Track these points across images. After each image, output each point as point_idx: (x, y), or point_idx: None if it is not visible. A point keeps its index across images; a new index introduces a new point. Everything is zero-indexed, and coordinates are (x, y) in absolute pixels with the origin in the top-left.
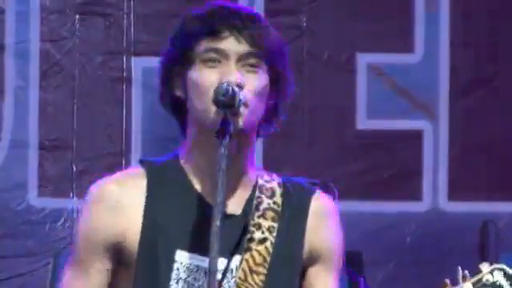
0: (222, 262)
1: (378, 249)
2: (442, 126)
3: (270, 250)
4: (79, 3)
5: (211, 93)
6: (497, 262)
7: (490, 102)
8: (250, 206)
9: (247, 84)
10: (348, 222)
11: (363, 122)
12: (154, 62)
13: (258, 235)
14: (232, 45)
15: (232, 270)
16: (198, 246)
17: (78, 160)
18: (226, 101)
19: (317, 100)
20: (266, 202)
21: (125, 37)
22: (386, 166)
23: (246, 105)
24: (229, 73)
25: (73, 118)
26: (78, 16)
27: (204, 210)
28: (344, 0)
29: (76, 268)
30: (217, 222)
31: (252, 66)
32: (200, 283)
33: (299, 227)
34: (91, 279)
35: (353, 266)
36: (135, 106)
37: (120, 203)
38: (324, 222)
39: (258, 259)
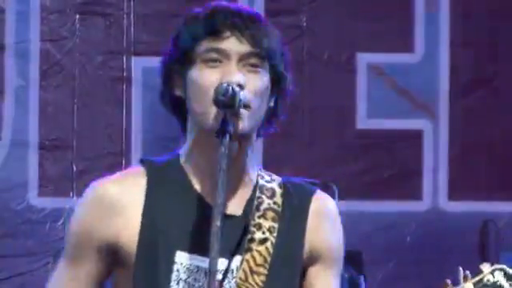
0: (222, 263)
1: (378, 248)
2: (442, 125)
3: (271, 250)
4: (79, 3)
5: (211, 93)
6: (497, 261)
7: (489, 101)
8: (251, 207)
9: (248, 84)
10: (348, 222)
11: (363, 122)
12: (154, 61)
13: (258, 235)
14: (233, 45)
15: (233, 270)
16: (198, 246)
17: (78, 160)
18: (226, 101)
19: (317, 100)
20: (267, 203)
21: (125, 37)
22: (386, 166)
23: (246, 106)
24: (230, 73)
25: (73, 117)
26: (78, 16)
27: (204, 210)
28: (344, 0)
29: (66, 265)
30: (217, 222)
31: (253, 66)
32: (200, 284)
33: (299, 227)
34: (81, 278)
35: (353, 265)
36: (135, 105)
37: (118, 203)
38: (324, 222)
39: (259, 259)
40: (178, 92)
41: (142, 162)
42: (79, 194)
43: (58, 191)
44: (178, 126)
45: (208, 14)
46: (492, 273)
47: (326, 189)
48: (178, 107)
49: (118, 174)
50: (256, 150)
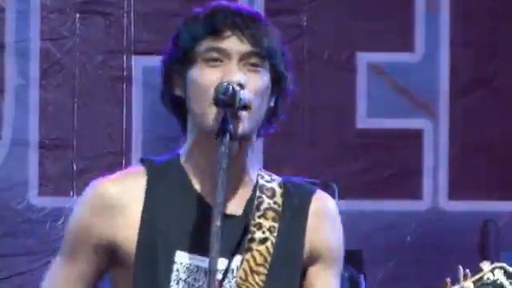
0: (222, 262)
1: (378, 248)
2: (442, 125)
3: (271, 249)
4: (79, 2)
5: (211, 92)
6: (497, 261)
7: (489, 101)
8: (251, 206)
9: (249, 84)
10: (348, 221)
11: (363, 121)
12: (155, 60)
13: (258, 235)
14: (234, 44)
15: (233, 269)
16: (198, 246)
17: (78, 159)
18: (227, 100)
19: (317, 99)
20: (267, 202)
21: (125, 36)
22: (387, 165)
23: (246, 105)
24: (230, 72)
25: (73, 116)
26: (78, 15)
27: (204, 210)
28: None
29: (63, 261)
30: (217, 222)
31: (254, 65)
32: (200, 283)
33: (300, 227)
34: (74, 274)
35: (353, 264)
36: (135, 104)
37: (118, 202)
38: (324, 222)
39: (259, 259)
40: (178, 92)
41: (143, 161)
42: (79, 193)
43: (58, 190)
44: (178, 125)
45: (208, 14)
46: (492, 271)
47: (326, 188)
48: (178, 107)
49: (118, 174)
50: (256, 150)
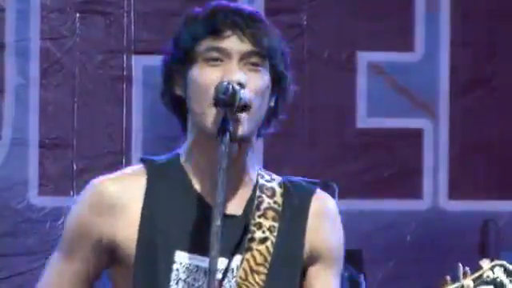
0: (222, 262)
1: (378, 248)
2: (442, 124)
3: (271, 249)
4: (79, 2)
5: (212, 91)
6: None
7: (489, 101)
8: (251, 206)
9: (249, 83)
10: (348, 221)
11: (363, 121)
12: (155, 60)
13: (258, 235)
14: (234, 44)
15: (233, 269)
16: (198, 246)
17: (78, 158)
18: (227, 99)
19: (317, 99)
20: (267, 202)
21: (125, 35)
22: (387, 165)
23: (246, 105)
24: (230, 71)
25: (73, 116)
26: (78, 14)
27: (204, 210)
28: None
29: (60, 259)
30: (217, 222)
31: (254, 65)
32: (200, 283)
33: (300, 227)
34: (71, 272)
35: (353, 264)
36: (136, 104)
37: (117, 201)
38: (324, 222)
39: (259, 259)
40: (178, 91)
41: (143, 160)
42: (79, 192)
43: (58, 190)
44: (178, 125)
45: (208, 13)
46: (492, 269)
47: (326, 188)
48: (179, 106)
49: (118, 173)
50: (256, 150)
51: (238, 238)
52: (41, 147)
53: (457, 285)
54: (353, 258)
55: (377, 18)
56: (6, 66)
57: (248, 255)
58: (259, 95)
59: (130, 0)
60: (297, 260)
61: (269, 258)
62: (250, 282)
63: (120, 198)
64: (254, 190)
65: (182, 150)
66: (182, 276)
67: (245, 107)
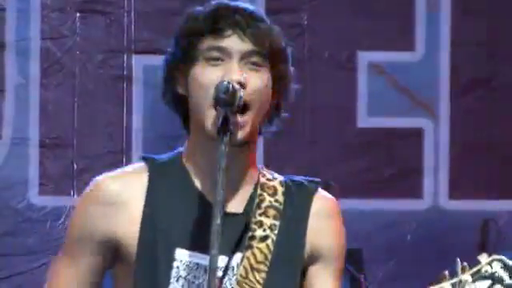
0: (222, 260)
1: (378, 247)
2: (442, 124)
3: (272, 247)
4: (80, 1)
5: (212, 91)
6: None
7: (489, 101)
8: (252, 204)
9: (250, 83)
10: (349, 220)
11: (364, 120)
12: (155, 59)
13: (259, 233)
14: (235, 43)
15: (233, 267)
16: (198, 244)
17: (78, 158)
18: (227, 98)
19: (318, 98)
20: (268, 200)
21: (125, 35)
22: (387, 165)
23: (247, 106)
24: (231, 71)
25: (73, 116)
26: (78, 14)
27: (204, 208)
28: None
29: (66, 260)
30: (217, 221)
31: (255, 64)
32: (200, 281)
33: (300, 226)
34: (80, 273)
35: (353, 263)
36: (136, 104)
37: (119, 199)
38: (325, 222)
39: (260, 257)
40: (180, 90)
41: (144, 159)
42: (80, 192)
43: (59, 190)
44: (179, 124)
45: (209, 12)
46: (490, 264)
47: (327, 187)
48: (181, 105)
49: (119, 170)
50: (257, 149)
51: (239, 235)
52: (41, 147)
53: (455, 280)
54: (353, 258)
55: (377, 18)
56: (6, 65)
57: (248, 253)
58: (260, 94)
59: (131, 0)
60: (297, 259)
61: (269, 257)
62: (250, 280)
63: (122, 195)
64: (256, 189)
65: (184, 149)
66: (183, 273)
67: (245, 106)
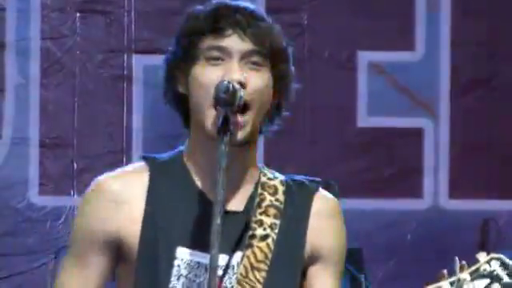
0: (223, 259)
1: (378, 247)
2: (442, 124)
3: (272, 246)
4: (80, 1)
5: (212, 91)
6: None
7: (489, 101)
8: (252, 203)
9: (250, 82)
10: (349, 220)
11: (364, 120)
12: (155, 59)
13: (259, 232)
14: (235, 43)
15: (233, 266)
16: (199, 242)
17: (78, 158)
18: (227, 98)
19: (318, 98)
20: (269, 199)
21: (125, 35)
22: (387, 164)
23: (247, 106)
24: (231, 70)
25: (73, 115)
26: (78, 14)
27: (205, 206)
28: None
29: (73, 262)
30: (217, 220)
31: (255, 64)
32: (201, 279)
33: (301, 226)
34: (89, 274)
35: (354, 263)
36: (136, 103)
37: (120, 198)
38: (326, 222)
39: (260, 256)
40: (181, 89)
41: (145, 158)
42: (80, 192)
43: (59, 189)
44: (179, 123)
45: (210, 12)
46: (488, 262)
47: (328, 187)
48: (181, 104)
49: (120, 170)
50: (257, 148)
51: (239, 234)
52: (41, 146)
53: (454, 278)
54: (353, 257)
55: (377, 18)
56: (6, 65)
57: (249, 252)
58: (260, 94)
59: None
60: (297, 258)
61: (269, 256)
62: (250, 279)
63: (123, 195)
64: (256, 188)
65: (185, 148)
66: (184, 272)
67: (245, 106)
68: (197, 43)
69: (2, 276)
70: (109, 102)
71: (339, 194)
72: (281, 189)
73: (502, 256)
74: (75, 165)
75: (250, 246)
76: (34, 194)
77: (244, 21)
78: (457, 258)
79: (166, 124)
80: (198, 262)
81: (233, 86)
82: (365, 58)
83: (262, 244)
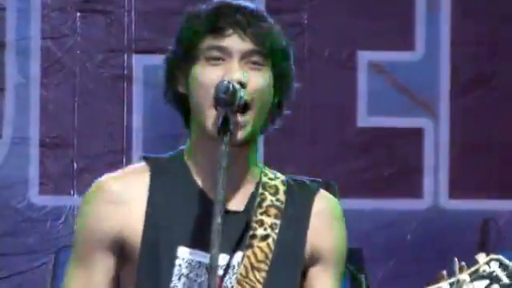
0: (223, 258)
1: (378, 247)
2: (442, 123)
3: (272, 247)
4: (80, 1)
5: (212, 91)
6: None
7: (489, 100)
8: (253, 203)
9: (251, 82)
10: (349, 220)
11: (364, 120)
12: (155, 59)
13: (260, 232)
14: (235, 43)
15: (234, 266)
16: (200, 242)
17: (78, 158)
18: (227, 98)
19: (318, 97)
20: (269, 199)
21: (126, 34)
22: (387, 164)
23: (247, 106)
24: (231, 70)
25: (74, 115)
26: (78, 13)
27: (206, 206)
28: None
29: (78, 265)
30: (217, 220)
31: (255, 63)
32: (202, 279)
33: (301, 226)
34: (94, 276)
35: (353, 263)
36: (136, 103)
37: (121, 199)
38: (326, 223)
39: (260, 256)
40: (181, 89)
41: (146, 158)
42: (80, 192)
43: (59, 189)
44: (180, 123)
45: (210, 11)
46: (488, 263)
47: (328, 187)
48: (182, 104)
49: (121, 171)
50: (258, 148)
51: (240, 234)
52: (41, 146)
53: (453, 279)
54: (353, 257)
55: (377, 17)
56: (6, 64)
57: (249, 252)
58: (260, 94)
59: None
60: (298, 258)
61: (270, 256)
62: (250, 279)
63: (124, 195)
64: (257, 188)
65: (186, 147)
66: (185, 271)
67: (245, 107)
68: (197, 43)
69: (1, 276)
70: (109, 102)
71: (339, 193)
72: (282, 189)
73: (501, 257)
74: (75, 164)
75: (251, 246)
76: (34, 194)
77: (244, 20)
78: (456, 259)
79: (166, 124)
80: (199, 262)
81: (233, 86)
82: (365, 57)
83: (263, 244)
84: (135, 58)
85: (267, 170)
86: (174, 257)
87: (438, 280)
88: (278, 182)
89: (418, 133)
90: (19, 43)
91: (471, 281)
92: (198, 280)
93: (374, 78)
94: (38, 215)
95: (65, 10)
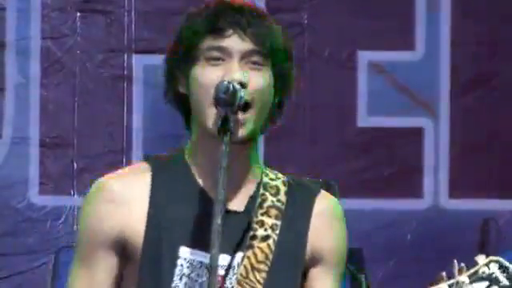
0: (224, 259)
1: (378, 247)
2: (442, 123)
3: (273, 247)
4: (80, 1)
5: (212, 91)
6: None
7: (490, 100)
8: (254, 203)
9: (251, 82)
10: (348, 220)
11: (364, 120)
12: (155, 59)
13: (260, 232)
14: (235, 43)
15: (234, 266)
16: (202, 242)
17: (78, 158)
18: (227, 98)
19: (318, 97)
20: (270, 200)
21: (126, 34)
22: (387, 164)
23: (248, 106)
24: (231, 71)
25: (74, 115)
26: (78, 13)
27: (208, 206)
28: None
29: (81, 265)
30: (217, 220)
31: (255, 63)
32: (203, 279)
33: (302, 227)
34: (97, 275)
35: (354, 263)
36: (136, 103)
37: (123, 199)
38: (327, 224)
39: (260, 256)
40: (181, 89)
41: (147, 158)
42: (80, 192)
43: (59, 189)
44: (180, 123)
45: (210, 11)
46: (487, 265)
47: (328, 187)
48: (182, 104)
49: (122, 170)
50: (258, 148)
51: (240, 234)
52: (41, 146)
53: (452, 281)
54: (353, 257)
55: (377, 17)
56: (6, 64)
57: (249, 253)
58: (261, 94)
59: None
60: (298, 259)
61: (270, 256)
62: (250, 280)
63: (125, 195)
64: (258, 188)
65: (187, 147)
66: (186, 271)
67: (246, 106)
68: (197, 43)
69: (1, 276)
70: (109, 102)
71: (339, 193)
72: (283, 189)
73: (500, 259)
74: (75, 164)
75: (251, 246)
76: (34, 194)
77: (244, 20)
78: (455, 261)
79: (166, 124)
80: (201, 262)
81: (233, 86)
82: (365, 57)
83: (263, 245)
84: (135, 57)
85: (268, 171)
86: (175, 257)
87: (437, 281)
88: (279, 183)
89: (417, 133)
90: (19, 43)
91: (470, 282)
92: (200, 280)
93: (374, 78)
94: (38, 215)
95: (65, 10)
